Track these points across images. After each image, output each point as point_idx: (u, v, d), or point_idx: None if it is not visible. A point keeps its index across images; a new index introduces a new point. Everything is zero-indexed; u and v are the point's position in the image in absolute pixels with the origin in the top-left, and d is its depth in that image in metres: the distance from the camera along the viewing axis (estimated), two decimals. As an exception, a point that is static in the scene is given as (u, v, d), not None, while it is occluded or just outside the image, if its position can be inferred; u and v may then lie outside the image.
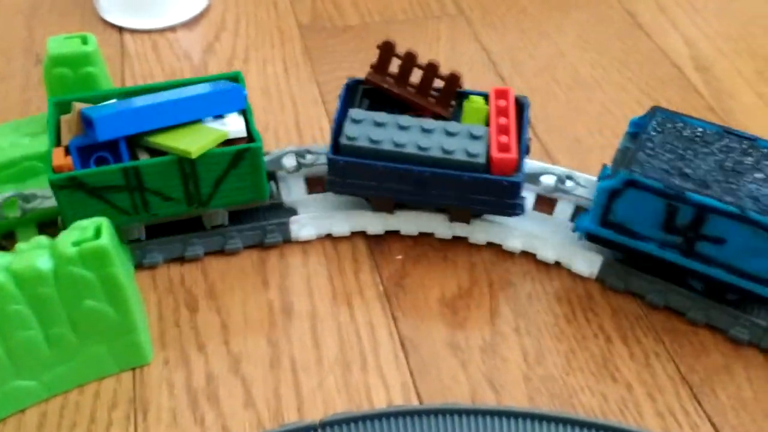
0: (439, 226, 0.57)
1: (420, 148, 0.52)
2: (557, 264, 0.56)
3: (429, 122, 0.53)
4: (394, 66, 0.57)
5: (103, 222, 0.45)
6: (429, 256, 0.57)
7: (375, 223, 0.57)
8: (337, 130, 0.54)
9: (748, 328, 0.51)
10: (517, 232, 0.56)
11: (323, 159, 0.58)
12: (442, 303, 0.54)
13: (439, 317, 0.53)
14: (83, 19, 0.79)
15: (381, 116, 0.53)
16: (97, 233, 0.44)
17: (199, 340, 0.51)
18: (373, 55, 0.76)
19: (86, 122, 0.49)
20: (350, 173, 0.53)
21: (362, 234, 0.57)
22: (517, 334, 0.52)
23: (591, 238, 0.53)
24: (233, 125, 0.52)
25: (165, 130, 0.50)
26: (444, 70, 0.57)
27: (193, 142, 0.49)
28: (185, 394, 0.48)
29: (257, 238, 0.56)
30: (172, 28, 0.78)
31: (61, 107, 0.53)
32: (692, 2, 0.84)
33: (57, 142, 0.51)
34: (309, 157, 0.58)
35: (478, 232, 0.57)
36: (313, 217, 0.57)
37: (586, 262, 0.55)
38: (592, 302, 0.54)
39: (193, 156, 0.49)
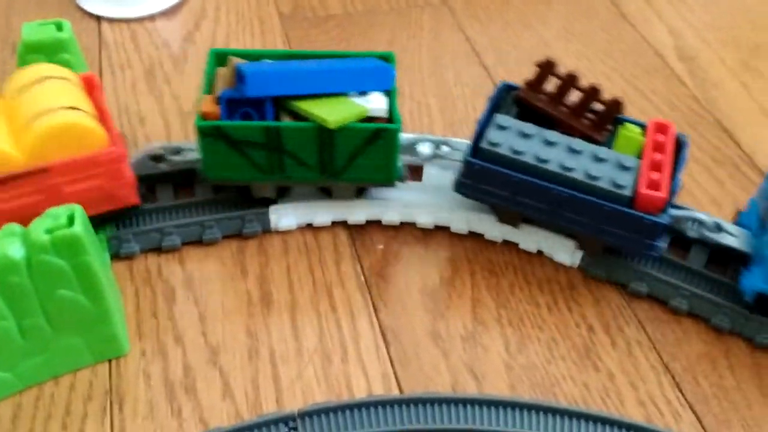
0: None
1: (563, 167, 0.50)
2: (539, 253, 0.55)
3: (578, 143, 0.51)
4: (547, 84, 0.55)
5: (77, 209, 0.44)
6: (410, 246, 0.56)
7: (356, 212, 0.56)
8: (480, 133, 0.52)
9: (730, 316, 0.51)
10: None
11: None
12: (424, 293, 0.53)
13: (421, 307, 0.52)
14: (60, 8, 0.77)
15: (528, 127, 0.51)
16: (70, 221, 0.43)
17: (176, 331, 0.50)
18: (355, 45, 0.76)
19: (239, 77, 0.50)
20: (484, 179, 0.51)
21: (343, 224, 0.57)
22: (499, 323, 0.52)
23: (761, 299, 0.49)
24: (376, 103, 0.52)
25: (310, 97, 0.51)
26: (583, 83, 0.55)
27: (334, 113, 0.50)
28: (162, 385, 0.47)
29: (236, 228, 0.55)
30: (151, 17, 0.77)
31: (219, 58, 0.54)
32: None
33: (209, 90, 0.53)
34: (445, 149, 0.57)
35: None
36: (293, 207, 0.56)
37: (568, 252, 0.55)
38: (574, 292, 0.54)
39: (331, 126, 0.50)
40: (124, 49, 0.74)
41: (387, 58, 0.55)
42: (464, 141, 0.57)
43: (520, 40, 0.77)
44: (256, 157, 0.52)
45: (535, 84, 0.54)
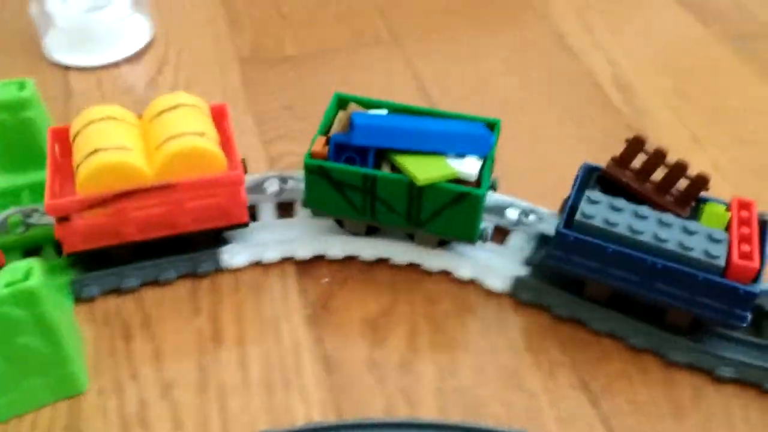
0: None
1: (657, 238, 0.52)
2: (472, 281, 0.60)
3: (667, 216, 0.53)
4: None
5: (34, 264, 0.48)
6: (354, 278, 0.60)
7: (303, 248, 0.60)
8: (571, 208, 0.55)
9: (646, 336, 0.55)
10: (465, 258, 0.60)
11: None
12: (365, 323, 0.57)
13: (361, 337, 0.56)
14: (28, 58, 0.82)
15: (619, 201, 0.54)
16: (28, 275, 0.47)
17: (132, 368, 0.54)
18: (310, 85, 0.80)
19: (351, 124, 0.56)
20: (577, 250, 0.53)
21: (291, 260, 0.61)
22: (433, 349, 0.56)
23: None
24: (468, 167, 0.56)
25: (410, 152, 0.56)
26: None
27: (425, 171, 0.55)
28: (118, 420, 0.51)
29: (190, 268, 0.59)
30: (117, 64, 0.82)
31: (340, 102, 0.61)
32: (617, 23, 0.88)
33: (323, 131, 0.59)
34: (531, 217, 0.61)
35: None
36: (244, 246, 0.60)
37: (499, 279, 0.59)
38: (504, 316, 0.58)
39: (419, 183, 0.55)
40: (90, 96, 0.78)
41: (493, 126, 0.59)
42: (550, 211, 0.60)
43: (465, 75, 0.81)
44: (352, 198, 0.57)
45: (623, 160, 0.57)
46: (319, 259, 0.61)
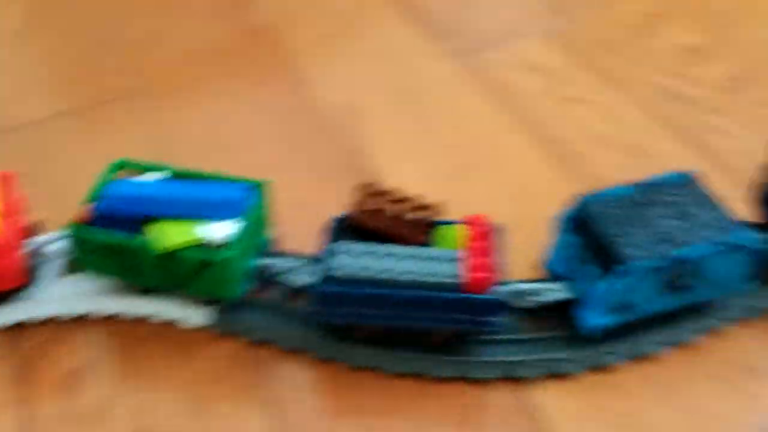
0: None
1: (401, 273, 0.55)
2: (173, 322, 0.63)
3: (409, 249, 0.57)
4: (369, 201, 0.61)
5: None
6: (63, 336, 0.62)
7: (5, 313, 0.63)
8: (324, 262, 0.57)
9: (329, 347, 0.61)
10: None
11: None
12: (67, 377, 0.60)
13: (62, 391, 0.59)
14: None
15: (364, 246, 0.57)
16: None
17: None
18: (48, 149, 0.80)
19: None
20: (336, 302, 0.56)
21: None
22: (131, 392, 0.59)
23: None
24: (218, 231, 0.57)
25: (162, 218, 0.58)
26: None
27: (166, 238, 0.56)
28: None
29: None
30: None
31: (121, 167, 0.63)
32: (355, 51, 0.93)
33: (93, 197, 0.60)
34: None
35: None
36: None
37: (199, 314, 0.62)
38: (201, 348, 0.61)
39: (155, 252, 0.57)
40: None
41: (258, 186, 0.61)
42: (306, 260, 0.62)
43: (208, 123, 0.83)
44: (117, 262, 0.59)
45: (360, 204, 0.61)
46: (29, 324, 0.63)
